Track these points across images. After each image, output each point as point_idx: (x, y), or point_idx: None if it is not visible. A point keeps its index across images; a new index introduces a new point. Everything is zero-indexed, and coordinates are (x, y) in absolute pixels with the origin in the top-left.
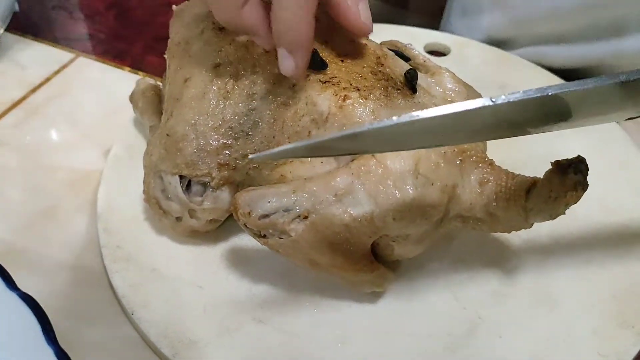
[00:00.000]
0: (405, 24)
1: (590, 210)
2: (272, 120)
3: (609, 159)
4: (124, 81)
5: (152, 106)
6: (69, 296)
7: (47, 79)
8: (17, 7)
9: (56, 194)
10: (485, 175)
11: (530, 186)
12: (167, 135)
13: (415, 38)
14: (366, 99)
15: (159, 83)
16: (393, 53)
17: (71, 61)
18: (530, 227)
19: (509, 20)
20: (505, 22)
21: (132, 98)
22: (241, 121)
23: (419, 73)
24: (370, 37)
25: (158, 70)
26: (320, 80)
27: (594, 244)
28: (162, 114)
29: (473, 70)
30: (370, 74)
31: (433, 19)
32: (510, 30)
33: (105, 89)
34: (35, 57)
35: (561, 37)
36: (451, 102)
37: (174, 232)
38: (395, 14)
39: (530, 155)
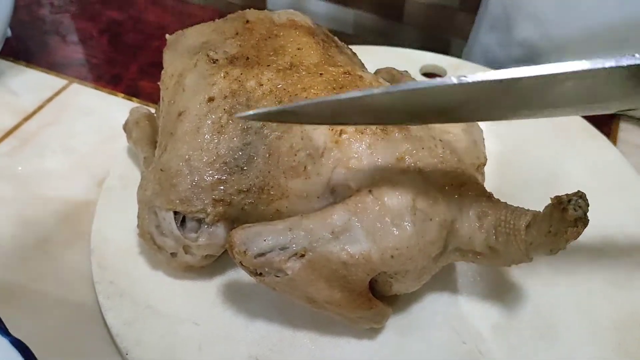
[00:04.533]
0: (400, 37)
1: (589, 237)
2: (268, 155)
3: (607, 182)
4: (118, 107)
5: (146, 137)
6: (62, 334)
7: (40, 107)
8: (9, 33)
9: (49, 226)
10: (484, 209)
11: (531, 221)
12: (161, 170)
13: (409, 60)
14: (362, 133)
15: (153, 111)
16: (389, 85)
17: (64, 88)
18: (531, 260)
19: (541, 35)
20: (537, 36)
21: (125, 128)
22: (236, 156)
23: None
24: (365, 58)
25: (152, 96)
26: None
27: (594, 272)
28: (156, 144)
29: None
30: None
31: (428, 32)
32: (542, 46)
33: (99, 116)
34: (29, 83)
35: (593, 53)
36: (450, 133)
37: (169, 268)
38: (390, 28)
39: (528, 178)
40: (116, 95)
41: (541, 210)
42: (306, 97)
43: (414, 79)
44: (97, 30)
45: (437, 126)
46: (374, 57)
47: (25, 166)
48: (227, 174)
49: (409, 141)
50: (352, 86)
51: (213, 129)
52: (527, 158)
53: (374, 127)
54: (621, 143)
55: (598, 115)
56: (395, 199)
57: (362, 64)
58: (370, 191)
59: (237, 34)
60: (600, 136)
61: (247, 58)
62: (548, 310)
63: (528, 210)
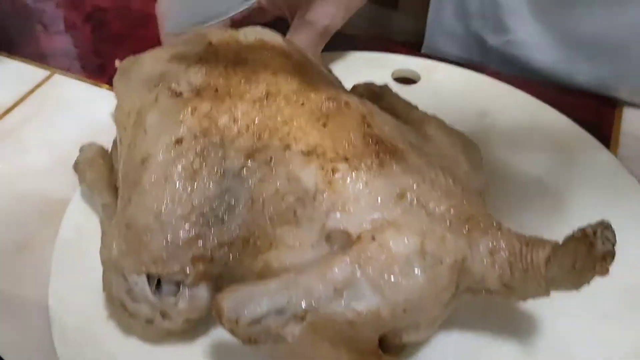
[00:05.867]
0: (394, 24)
1: None
2: (250, 202)
3: (622, 210)
4: (102, 99)
5: (103, 178)
6: (41, 341)
7: (22, 99)
8: None
9: (30, 226)
10: (496, 243)
11: (550, 254)
12: (128, 226)
13: (380, 65)
14: (357, 169)
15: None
16: (377, 108)
17: (47, 79)
18: (549, 295)
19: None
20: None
21: (77, 168)
22: (214, 205)
23: (407, 129)
24: (335, 65)
25: None
26: (302, 152)
27: (609, 297)
28: (115, 188)
29: (448, 98)
30: (358, 139)
31: (423, 19)
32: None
33: (83, 109)
34: (9, 75)
35: None
36: (448, 158)
37: (145, 337)
38: (384, 15)
39: (527, 195)
40: (100, 86)
41: (554, 238)
42: (289, 132)
43: (396, 95)
44: (80, 18)
45: (434, 149)
46: (343, 63)
47: (4, 163)
48: (206, 226)
49: (408, 174)
50: (339, 115)
51: (184, 176)
52: (525, 173)
53: (369, 162)
54: (625, 136)
55: (600, 108)
56: (402, 244)
57: (339, 81)
58: (373, 237)
59: (200, 59)
60: (601, 148)
61: (216, 89)
62: (564, 339)
63: (545, 241)
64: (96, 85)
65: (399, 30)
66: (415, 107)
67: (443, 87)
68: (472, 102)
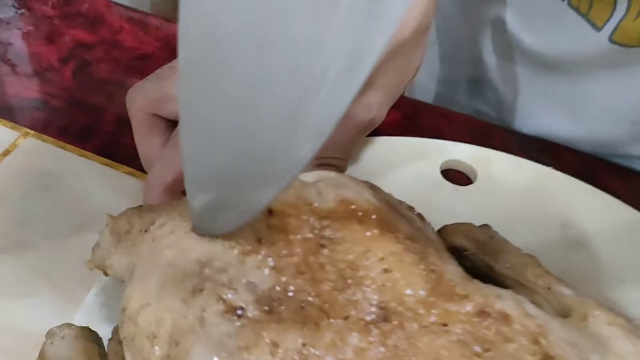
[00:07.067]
0: None
1: None
2: None
3: None
4: (90, 178)
5: None
6: None
7: None
8: None
9: None
10: None
11: None
12: None
13: (427, 153)
14: None
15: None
16: (543, 313)
17: (14, 145)
18: None
19: None
20: None
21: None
22: None
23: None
24: (378, 151)
25: (137, 160)
26: None
27: None
28: None
29: (516, 204)
30: None
31: None
32: None
33: (64, 190)
34: None
35: None
36: None
37: None
38: None
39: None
40: (87, 157)
41: None
42: None
43: (509, 244)
44: (57, 57)
45: None
46: (388, 149)
47: None
48: None
49: None
50: (500, 345)
51: None
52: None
53: None
54: None
55: None
56: None
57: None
58: None
59: (260, 242)
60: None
61: (303, 304)
62: None
63: None
64: (81, 155)
65: None
66: (546, 272)
67: (504, 187)
68: (548, 209)
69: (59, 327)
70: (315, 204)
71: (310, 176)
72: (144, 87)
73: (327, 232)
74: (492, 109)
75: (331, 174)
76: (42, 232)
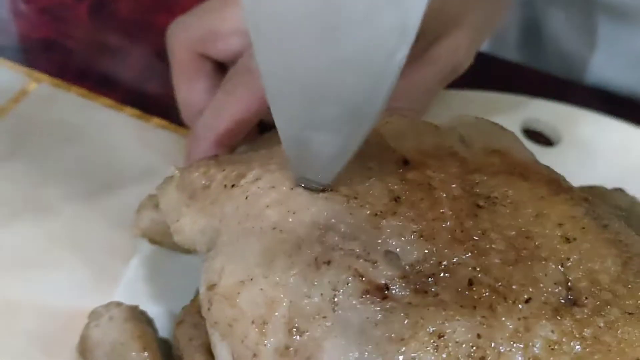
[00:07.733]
0: None
1: None
2: None
3: None
4: (116, 129)
5: None
6: None
7: None
8: None
9: None
10: None
11: None
12: None
13: (508, 110)
14: None
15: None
16: None
17: (24, 92)
18: None
19: None
20: None
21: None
22: None
23: None
24: (452, 105)
25: (166, 109)
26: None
27: None
28: None
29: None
30: None
31: None
32: None
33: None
34: None
35: None
36: None
37: None
38: None
39: None
40: (117, 108)
41: None
42: None
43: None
44: None
45: None
46: (463, 104)
47: None
48: None
49: None
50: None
51: None
52: None
53: None
54: None
55: None
56: None
57: None
58: None
59: (396, 201)
60: None
61: (469, 283)
62: None
63: None
64: (105, 104)
65: None
66: None
67: (596, 151)
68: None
69: (105, 306)
70: (459, 150)
71: (443, 120)
72: (188, 23)
73: (481, 189)
74: (546, 64)
75: (471, 118)
76: (63, 193)
